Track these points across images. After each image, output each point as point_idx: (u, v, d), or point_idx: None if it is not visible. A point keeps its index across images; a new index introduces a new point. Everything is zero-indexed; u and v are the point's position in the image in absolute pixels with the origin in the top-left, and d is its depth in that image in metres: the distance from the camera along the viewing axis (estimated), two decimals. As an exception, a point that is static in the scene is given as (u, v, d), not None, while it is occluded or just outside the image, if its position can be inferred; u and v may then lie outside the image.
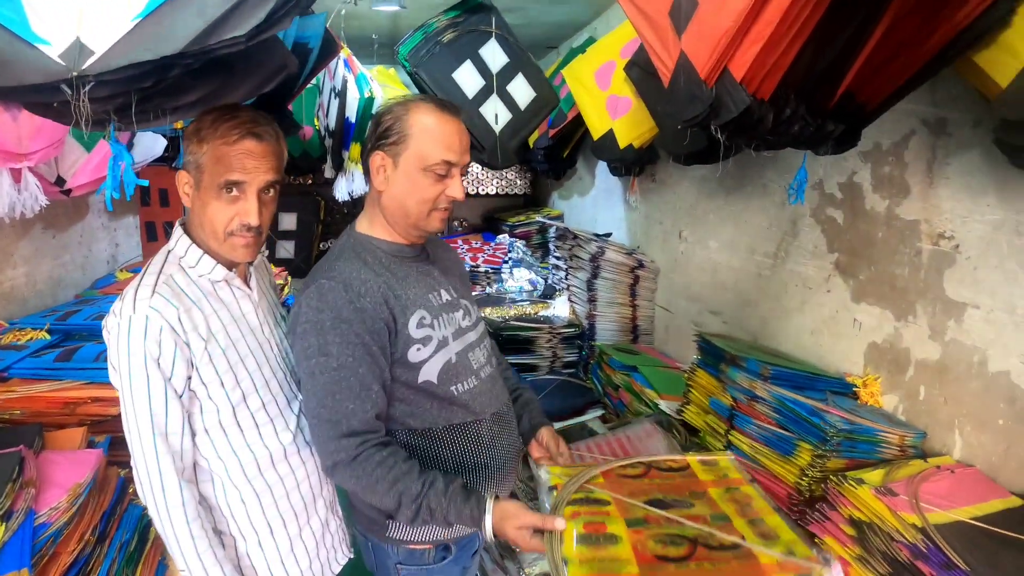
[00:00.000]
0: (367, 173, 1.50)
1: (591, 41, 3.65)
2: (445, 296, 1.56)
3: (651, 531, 1.25)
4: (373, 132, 1.47)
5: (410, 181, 1.44)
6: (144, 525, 1.85)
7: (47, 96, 1.08)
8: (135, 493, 1.30)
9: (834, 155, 1.81)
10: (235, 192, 1.34)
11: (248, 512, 1.43)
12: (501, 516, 1.30)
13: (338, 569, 1.63)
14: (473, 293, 4.05)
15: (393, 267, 1.49)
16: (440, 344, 1.48)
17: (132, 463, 1.31)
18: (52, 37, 1.04)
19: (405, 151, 1.43)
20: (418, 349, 1.45)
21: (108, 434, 1.95)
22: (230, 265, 1.43)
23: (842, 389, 2.08)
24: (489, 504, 1.32)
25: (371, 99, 3.45)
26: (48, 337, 2.39)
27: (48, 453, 1.75)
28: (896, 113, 1.83)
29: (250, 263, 1.50)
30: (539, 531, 1.25)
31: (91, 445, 1.91)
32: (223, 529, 1.43)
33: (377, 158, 1.46)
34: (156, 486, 1.28)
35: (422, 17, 3.11)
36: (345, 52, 3.41)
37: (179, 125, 2.54)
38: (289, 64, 1.43)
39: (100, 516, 1.69)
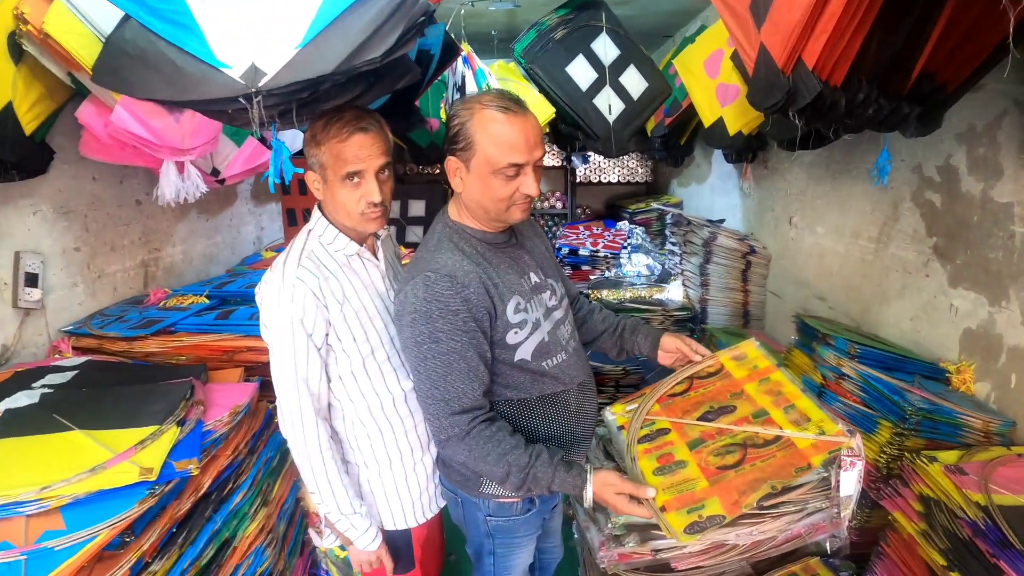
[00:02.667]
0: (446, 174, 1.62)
1: (703, 29, 3.68)
2: (534, 279, 1.65)
3: (709, 447, 1.50)
4: (447, 135, 1.54)
5: (483, 183, 1.50)
6: (285, 449, 2.19)
7: (225, 105, 1.43)
8: (278, 426, 1.62)
9: (921, 136, 1.83)
10: (356, 179, 1.54)
11: (372, 445, 1.70)
12: (601, 483, 1.43)
13: (437, 508, 1.85)
14: (592, 276, 4.23)
15: (488, 255, 1.57)
16: (534, 326, 1.58)
17: (277, 403, 1.60)
18: (233, 62, 1.37)
19: (474, 156, 1.49)
20: (515, 332, 1.55)
21: (260, 376, 2.30)
22: (360, 240, 1.68)
23: (934, 374, 2.06)
24: (590, 474, 1.44)
25: (488, 92, 3.68)
26: (207, 301, 2.73)
27: (213, 384, 2.14)
28: (988, 93, 1.81)
29: (378, 237, 1.75)
30: (634, 497, 1.41)
31: (246, 381, 2.30)
32: (350, 459, 1.71)
33: (451, 163, 1.54)
34: (296, 422, 1.57)
35: (537, 13, 3.29)
36: (465, 49, 3.65)
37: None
38: (412, 71, 1.69)
39: (251, 435, 2.07)
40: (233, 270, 3.59)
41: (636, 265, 4.20)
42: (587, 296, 3.09)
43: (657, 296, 3.76)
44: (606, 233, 4.70)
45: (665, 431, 1.58)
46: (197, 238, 3.46)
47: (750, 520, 1.37)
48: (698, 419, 1.58)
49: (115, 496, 1.48)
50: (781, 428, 1.48)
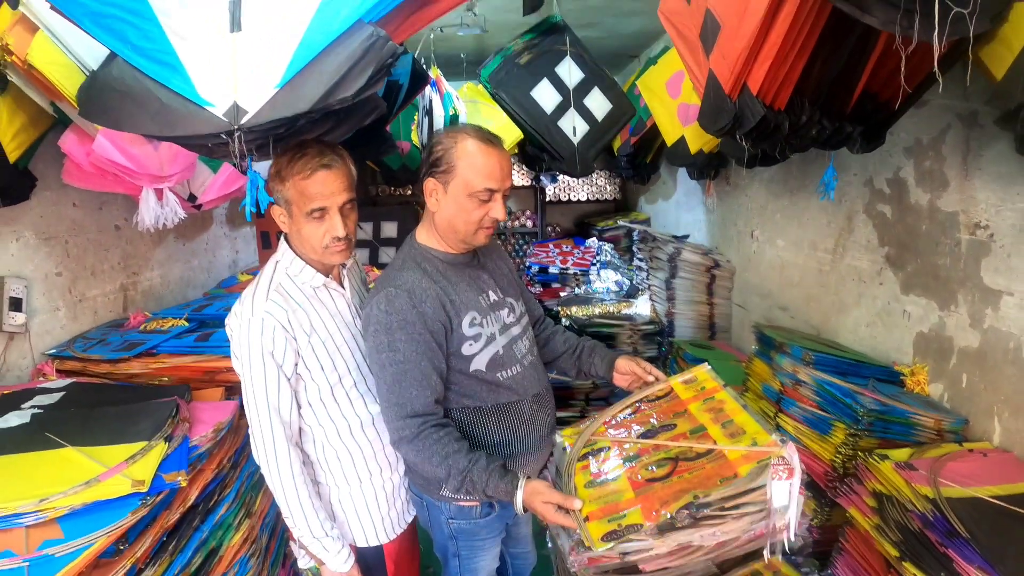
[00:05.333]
0: (423, 195, 1.75)
1: (666, 50, 3.81)
2: (492, 296, 1.78)
3: (642, 462, 1.55)
4: (427, 159, 1.68)
5: (457, 205, 1.65)
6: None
7: (207, 140, 1.51)
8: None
9: (867, 152, 1.92)
10: (320, 215, 1.62)
11: (342, 466, 1.77)
12: (531, 492, 1.52)
13: (409, 519, 1.93)
14: (562, 293, 4.30)
15: (448, 274, 1.71)
16: (488, 339, 1.71)
17: (249, 431, 1.67)
18: (216, 100, 1.45)
19: (453, 179, 1.63)
20: (470, 344, 1.68)
21: (240, 395, 2.36)
22: (327, 271, 1.76)
23: (889, 377, 2.17)
24: (521, 482, 1.54)
25: (456, 116, 3.79)
26: (187, 324, 2.81)
27: (196, 403, 2.21)
28: (933, 108, 1.93)
29: (343, 266, 1.82)
30: (561, 507, 1.49)
31: (228, 399, 2.36)
32: (321, 480, 1.78)
33: (430, 183, 1.68)
34: (270, 449, 1.63)
35: (504, 37, 3.39)
36: (435, 73, 3.76)
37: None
38: (379, 107, 1.78)
39: (234, 450, 2.15)
40: (210, 293, 3.66)
41: (605, 281, 4.30)
42: (555, 317, 3.16)
43: (626, 311, 3.86)
44: (575, 250, 4.81)
45: (605, 449, 1.66)
46: (174, 262, 3.51)
47: (681, 530, 1.39)
48: (639, 437, 1.65)
49: (109, 507, 1.57)
50: (715, 442, 1.53)
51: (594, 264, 4.45)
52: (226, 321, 1.69)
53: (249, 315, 1.61)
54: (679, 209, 4.37)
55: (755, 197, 3.27)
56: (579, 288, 4.33)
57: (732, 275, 3.54)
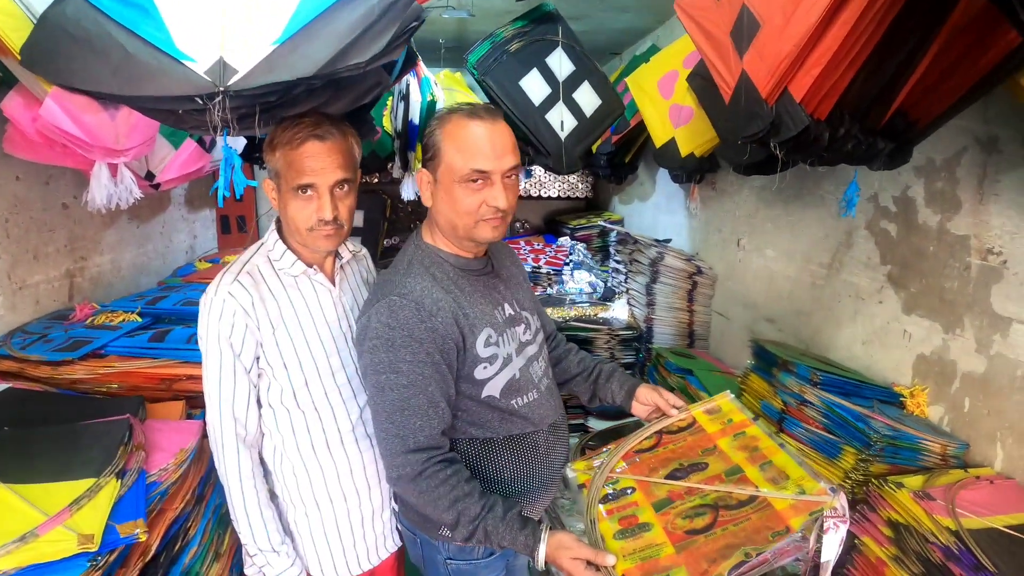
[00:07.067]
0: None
1: (654, 49, 3.73)
2: (508, 311, 1.57)
3: (676, 508, 1.38)
4: (423, 149, 1.50)
5: (449, 195, 1.44)
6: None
7: (178, 105, 1.25)
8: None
9: (887, 170, 1.87)
10: (309, 192, 1.44)
11: (299, 485, 1.58)
12: (556, 546, 1.32)
13: (385, 555, 1.72)
14: (536, 292, 4.18)
15: (460, 282, 1.50)
16: (505, 362, 1.50)
17: (206, 419, 1.50)
18: (197, 55, 1.21)
19: (440, 166, 1.43)
20: (484, 368, 1.47)
21: (202, 409, 2.10)
22: (312, 261, 1.56)
23: (889, 398, 2.13)
24: (544, 534, 1.34)
25: (433, 102, 3.61)
26: (139, 320, 2.56)
27: (152, 422, 1.93)
28: (949, 130, 1.88)
29: (340, 258, 1.64)
30: (591, 563, 1.29)
31: (189, 417, 2.10)
32: (277, 494, 1.59)
33: (422, 175, 1.49)
34: (219, 444, 1.48)
35: (490, 24, 3.24)
36: (413, 55, 3.57)
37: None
38: (383, 82, 1.58)
39: (198, 480, 1.90)
40: (166, 282, 3.37)
41: (579, 282, 4.21)
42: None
43: (602, 315, 3.77)
44: (547, 249, 4.71)
45: (630, 490, 1.47)
46: (127, 246, 3.23)
47: None
48: (666, 477, 1.47)
49: (50, 572, 1.27)
50: (757, 487, 1.37)
51: (567, 264, 4.35)
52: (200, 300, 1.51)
53: (212, 295, 1.44)
54: (657, 212, 4.31)
55: (743, 204, 3.22)
56: (551, 288, 4.23)
57: (714, 283, 3.49)
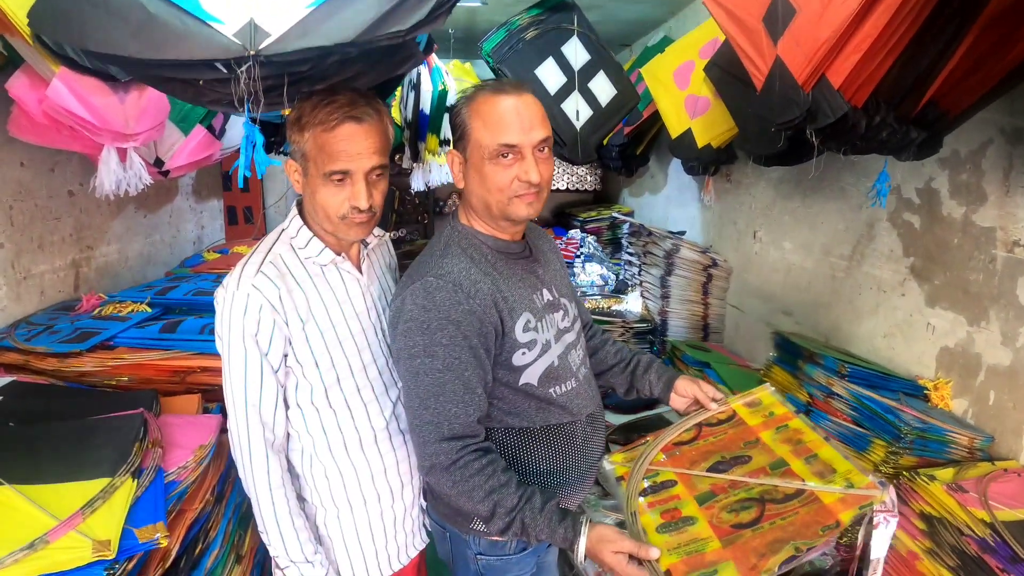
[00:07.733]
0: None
1: (667, 40, 3.69)
2: (547, 296, 1.52)
3: (721, 502, 1.34)
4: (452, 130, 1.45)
5: (479, 173, 1.39)
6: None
7: (200, 73, 1.15)
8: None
9: (916, 160, 1.84)
10: (342, 178, 1.34)
11: (331, 487, 1.50)
12: (597, 539, 1.28)
13: (414, 553, 1.66)
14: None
15: (499, 265, 1.45)
16: (544, 348, 1.45)
17: (228, 425, 1.40)
18: (226, 16, 1.11)
19: (468, 144, 1.39)
20: (523, 353, 1.42)
21: (218, 402, 2.03)
22: (340, 248, 1.47)
23: (913, 391, 2.10)
24: (584, 527, 1.30)
25: (444, 92, 3.56)
26: (149, 310, 2.47)
27: (167, 417, 1.84)
28: (975, 122, 1.85)
29: (366, 245, 1.55)
30: (634, 557, 1.26)
31: (205, 411, 2.03)
32: (306, 497, 1.50)
33: (452, 156, 1.45)
34: (245, 452, 1.36)
35: (503, 14, 3.20)
36: (425, 43, 3.53)
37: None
38: (414, 56, 1.49)
39: (218, 478, 1.81)
40: (174, 272, 3.30)
41: (590, 275, 4.17)
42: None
43: (616, 307, 3.74)
44: (558, 241, 4.67)
45: (671, 483, 1.43)
46: (134, 236, 3.17)
47: None
48: (708, 470, 1.44)
49: None
50: (803, 480, 1.34)
51: (578, 256, 4.32)
52: (215, 293, 1.40)
53: (235, 289, 1.33)
54: (669, 204, 4.27)
55: (760, 197, 3.18)
56: (562, 281, 4.19)
57: (729, 275, 3.46)
